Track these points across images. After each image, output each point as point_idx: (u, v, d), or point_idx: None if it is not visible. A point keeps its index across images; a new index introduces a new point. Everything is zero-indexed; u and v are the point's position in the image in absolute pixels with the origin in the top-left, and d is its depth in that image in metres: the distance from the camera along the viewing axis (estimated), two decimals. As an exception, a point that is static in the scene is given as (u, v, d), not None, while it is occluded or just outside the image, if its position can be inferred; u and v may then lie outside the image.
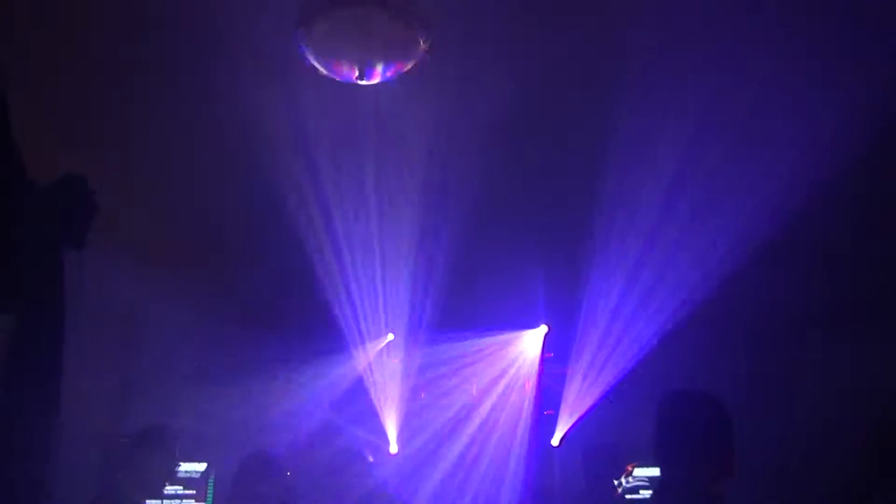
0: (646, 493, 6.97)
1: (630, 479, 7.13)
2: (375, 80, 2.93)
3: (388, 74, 2.94)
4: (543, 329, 7.60)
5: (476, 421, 7.76)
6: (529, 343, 7.74)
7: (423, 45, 2.60)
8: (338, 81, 2.94)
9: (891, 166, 4.30)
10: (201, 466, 4.55)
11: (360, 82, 2.89)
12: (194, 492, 5.32)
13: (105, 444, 3.97)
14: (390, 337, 7.46)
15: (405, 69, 2.90)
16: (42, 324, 3.38)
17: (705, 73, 3.42)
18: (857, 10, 3.04)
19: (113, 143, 4.06)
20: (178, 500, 5.14)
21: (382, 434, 7.44)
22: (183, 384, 5.26)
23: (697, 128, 3.85)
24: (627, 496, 6.96)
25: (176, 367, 5.08)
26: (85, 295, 3.86)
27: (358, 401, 7.54)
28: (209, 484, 5.50)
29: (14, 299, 3.22)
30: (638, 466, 7.11)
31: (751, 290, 5.90)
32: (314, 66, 2.81)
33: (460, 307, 6.88)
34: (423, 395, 7.82)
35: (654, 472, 7.36)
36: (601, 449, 7.83)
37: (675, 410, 2.58)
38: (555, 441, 7.58)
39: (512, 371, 7.79)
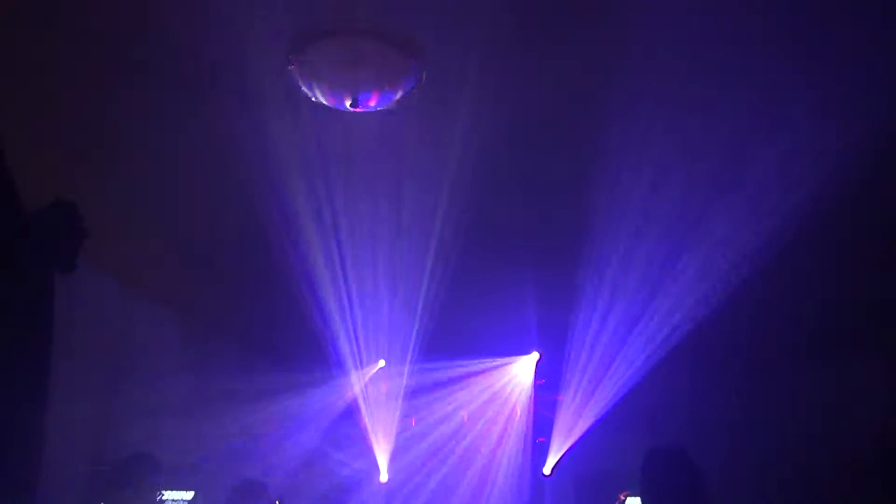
0: (638, 523, 6.92)
1: (622, 508, 7.05)
2: (368, 108, 2.96)
3: (381, 102, 2.97)
4: (535, 356, 7.58)
5: (468, 449, 7.71)
6: (521, 370, 7.72)
7: (414, 73, 2.63)
8: (330, 108, 2.96)
9: (879, 199, 4.37)
10: (189, 495, 4.49)
11: (352, 109, 2.92)
12: (181, 521, 5.24)
13: (90, 472, 3.92)
14: (381, 364, 7.42)
15: (397, 97, 2.93)
16: (29, 350, 3.36)
17: (693, 106, 3.48)
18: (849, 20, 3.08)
19: (103, 169, 4.07)
20: (164, 530, 5.06)
21: (373, 462, 7.37)
22: (171, 411, 5.21)
23: (690, 153, 3.90)
24: (620, 525, 6.87)
25: (164, 393, 5.03)
26: (73, 321, 3.84)
27: (348, 429, 7.47)
28: (196, 513, 5.42)
29: (1, 325, 3.20)
30: (630, 495, 7.05)
31: (742, 319, 5.92)
32: (307, 93, 2.84)
33: (452, 334, 6.86)
34: (413, 423, 7.76)
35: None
36: (593, 477, 7.79)
37: (653, 469, 2.95)
38: (546, 469, 7.53)
39: (504, 398, 7.75)
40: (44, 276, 3.58)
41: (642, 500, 2.98)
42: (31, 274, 3.45)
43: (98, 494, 3.44)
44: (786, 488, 6.63)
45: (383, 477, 7.32)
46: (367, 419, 7.45)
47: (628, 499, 6.97)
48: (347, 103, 2.85)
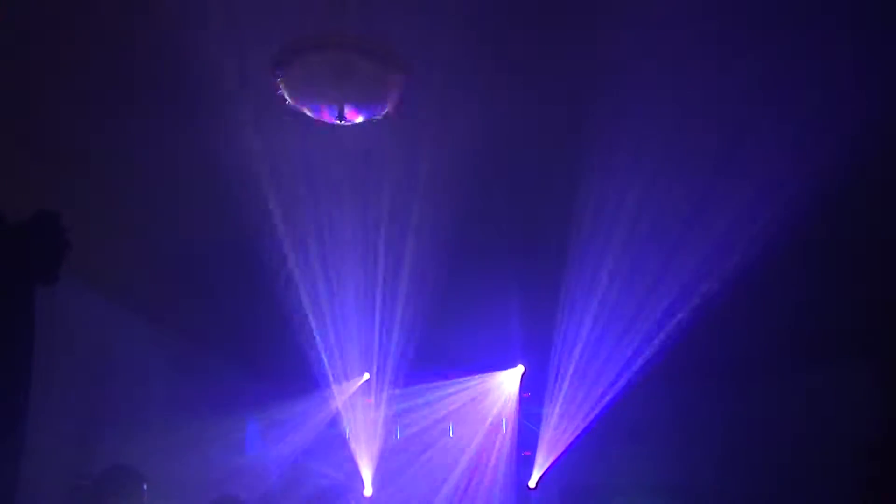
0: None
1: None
2: (354, 122, 2.97)
3: (367, 115, 2.98)
4: (520, 369, 7.56)
5: (452, 461, 7.67)
6: (506, 383, 7.70)
7: (399, 87, 2.64)
8: (315, 121, 2.97)
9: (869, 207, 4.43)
10: (170, 509, 4.45)
11: (338, 122, 2.93)
12: (162, 536, 5.17)
13: (70, 486, 3.87)
14: (366, 377, 7.40)
15: (383, 111, 2.94)
16: (10, 360, 3.32)
17: (674, 115, 3.52)
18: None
19: (85, 180, 4.04)
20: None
21: (357, 476, 7.32)
22: (152, 424, 5.16)
23: (671, 169, 3.94)
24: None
25: (145, 406, 4.99)
26: (55, 332, 3.81)
27: (332, 442, 7.43)
28: (177, 528, 5.35)
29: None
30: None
31: (727, 328, 5.96)
32: (293, 107, 2.84)
33: (437, 347, 6.86)
34: (398, 436, 7.72)
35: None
36: (579, 489, 7.79)
37: None
38: (532, 483, 7.51)
39: (488, 411, 7.72)
40: (25, 288, 3.55)
41: None
42: (12, 285, 3.43)
43: (80, 506, 3.40)
44: (775, 494, 6.67)
45: (368, 491, 7.27)
46: (351, 433, 7.41)
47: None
48: (334, 117, 2.86)
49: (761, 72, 3.27)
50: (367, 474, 7.35)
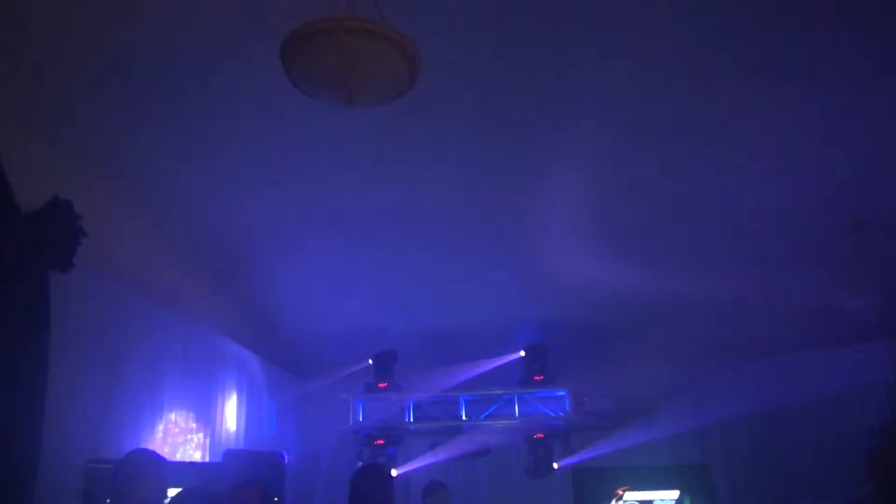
0: (636, 517, 6.97)
1: (621, 502, 7.07)
2: (364, 105, 2.94)
3: (377, 99, 2.96)
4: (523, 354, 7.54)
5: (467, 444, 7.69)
6: (513, 368, 7.66)
7: (411, 70, 2.62)
8: (325, 103, 2.95)
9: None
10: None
11: (348, 105, 2.90)
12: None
13: (89, 471, 3.91)
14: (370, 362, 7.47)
15: (394, 93, 2.92)
16: (27, 349, 3.36)
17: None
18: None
19: (99, 168, 4.05)
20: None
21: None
22: (169, 411, 5.21)
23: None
24: (618, 520, 6.90)
25: (162, 392, 5.03)
26: (71, 319, 3.84)
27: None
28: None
29: (0, 324, 3.20)
30: (629, 490, 7.07)
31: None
32: (302, 90, 2.82)
33: (445, 332, 6.90)
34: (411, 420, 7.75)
35: (646, 495, 7.35)
36: (590, 473, 7.81)
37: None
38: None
39: (499, 396, 7.71)
40: (40, 276, 3.58)
41: None
42: (28, 273, 3.46)
43: (104, 491, 3.41)
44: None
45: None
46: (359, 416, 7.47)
47: (626, 493, 7.00)
48: (343, 99, 2.83)
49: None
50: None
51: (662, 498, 7.45)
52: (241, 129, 3.83)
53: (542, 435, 7.52)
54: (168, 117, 3.67)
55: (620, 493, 6.92)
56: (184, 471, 4.66)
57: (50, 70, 3.25)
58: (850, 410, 6.46)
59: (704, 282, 5.61)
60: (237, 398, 6.41)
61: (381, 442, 7.45)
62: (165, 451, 4.85)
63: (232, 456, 5.50)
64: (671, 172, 4.32)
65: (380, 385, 7.41)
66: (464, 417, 7.58)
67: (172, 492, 3.04)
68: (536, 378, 7.45)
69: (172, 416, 5.17)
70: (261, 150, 4.02)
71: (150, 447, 4.40)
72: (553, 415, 7.46)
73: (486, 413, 7.60)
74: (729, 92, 3.58)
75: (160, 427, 4.99)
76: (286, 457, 5.73)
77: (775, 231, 5.02)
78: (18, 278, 3.24)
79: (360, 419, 7.53)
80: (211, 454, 5.72)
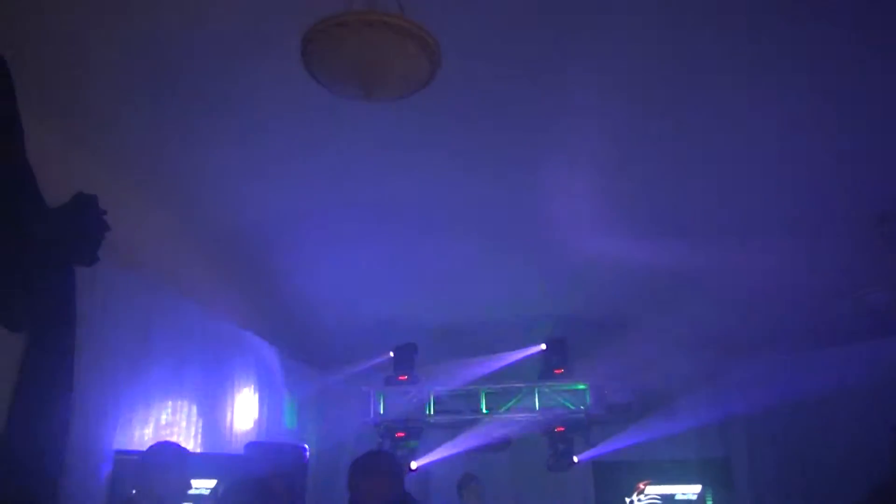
0: (658, 511, 6.95)
1: (642, 496, 7.05)
2: (382, 99, 2.95)
3: (396, 93, 2.96)
4: (543, 347, 7.52)
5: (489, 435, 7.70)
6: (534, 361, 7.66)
7: (431, 64, 2.61)
8: (342, 97, 2.96)
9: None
10: (211, 483, 4.54)
11: (368, 99, 2.91)
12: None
13: (115, 461, 3.97)
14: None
15: (412, 88, 2.92)
16: (54, 342, 3.41)
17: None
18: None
19: (124, 164, 4.10)
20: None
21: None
22: (191, 402, 5.27)
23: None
24: (640, 514, 6.90)
25: (184, 385, 5.09)
26: (96, 312, 3.89)
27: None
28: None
29: (27, 318, 3.26)
30: (650, 484, 7.05)
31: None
32: (322, 83, 2.83)
33: (462, 327, 6.91)
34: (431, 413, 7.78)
35: (667, 489, 7.32)
36: (611, 467, 7.79)
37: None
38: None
39: (519, 389, 7.71)
40: (67, 270, 3.63)
41: None
42: (55, 268, 3.50)
43: (131, 481, 3.47)
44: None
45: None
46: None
47: (647, 487, 6.98)
48: (361, 94, 2.84)
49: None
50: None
51: (684, 492, 7.42)
52: (263, 123, 3.85)
53: (562, 428, 7.52)
54: (191, 112, 3.70)
55: (642, 486, 6.90)
56: (206, 462, 4.71)
57: (74, 66, 3.29)
58: (872, 404, 6.36)
59: (723, 271, 5.55)
60: (258, 391, 6.46)
61: (402, 434, 7.49)
62: (190, 445, 4.90)
63: (254, 448, 5.55)
64: (691, 155, 4.26)
65: (400, 378, 7.45)
66: (484, 410, 7.60)
67: (196, 483, 3.08)
68: (556, 371, 7.44)
69: (194, 409, 5.23)
70: (283, 143, 4.05)
71: (173, 439, 4.46)
72: (573, 408, 7.45)
73: (507, 406, 7.62)
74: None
75: (182, 419, 5.04)
76: (307, 449, 5.78)
77: (799, 222, 4.96)
78: (45, 273, 3.29)
79: (382, 412, 7.58)
80: (232, 447, 5.77)
